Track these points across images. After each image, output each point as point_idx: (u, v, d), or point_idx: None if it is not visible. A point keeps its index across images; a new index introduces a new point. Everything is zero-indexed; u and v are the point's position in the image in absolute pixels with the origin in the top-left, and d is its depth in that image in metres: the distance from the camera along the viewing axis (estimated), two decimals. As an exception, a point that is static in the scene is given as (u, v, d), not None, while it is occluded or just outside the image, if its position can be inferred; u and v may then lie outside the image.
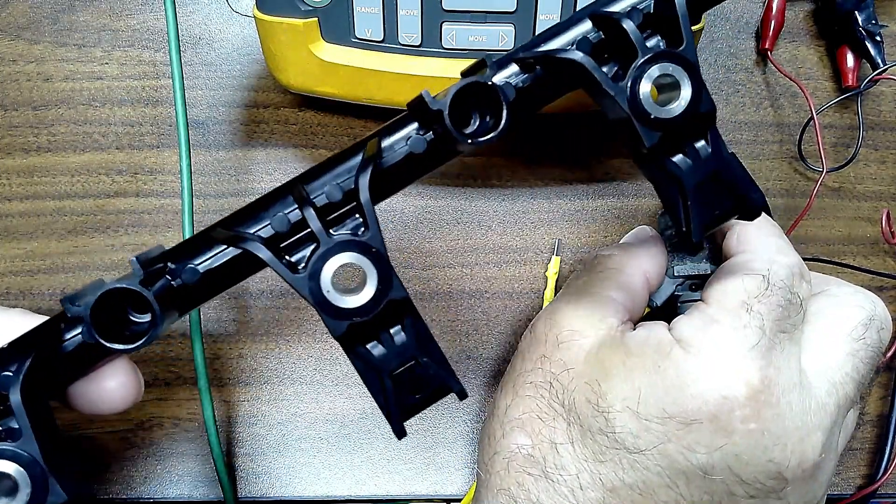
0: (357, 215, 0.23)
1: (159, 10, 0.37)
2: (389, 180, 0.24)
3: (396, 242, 0.36)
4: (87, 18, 0.37)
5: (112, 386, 0.24)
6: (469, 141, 0.22)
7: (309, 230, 0.22)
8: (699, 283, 0.31)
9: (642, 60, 0.22)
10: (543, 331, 0.29)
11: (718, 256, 0.31)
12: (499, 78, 0.24)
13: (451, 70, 0.32)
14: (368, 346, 0.23)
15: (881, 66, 0.36)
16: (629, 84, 0.22)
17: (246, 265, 0.23)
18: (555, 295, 0.35)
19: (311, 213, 0.22)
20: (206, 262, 0.23)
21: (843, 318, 0.27)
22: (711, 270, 0.31)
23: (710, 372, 0.24)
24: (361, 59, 0.32)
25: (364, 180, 0.22)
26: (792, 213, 0.37)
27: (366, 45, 0.32)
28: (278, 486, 0.35)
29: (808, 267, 0.28)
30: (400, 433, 0.23)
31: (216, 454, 0.33)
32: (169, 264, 0.23)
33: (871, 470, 0.36)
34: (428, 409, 0.23)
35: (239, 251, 0.23)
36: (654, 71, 0.22)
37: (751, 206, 0.24)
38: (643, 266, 0.30)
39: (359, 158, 0.23)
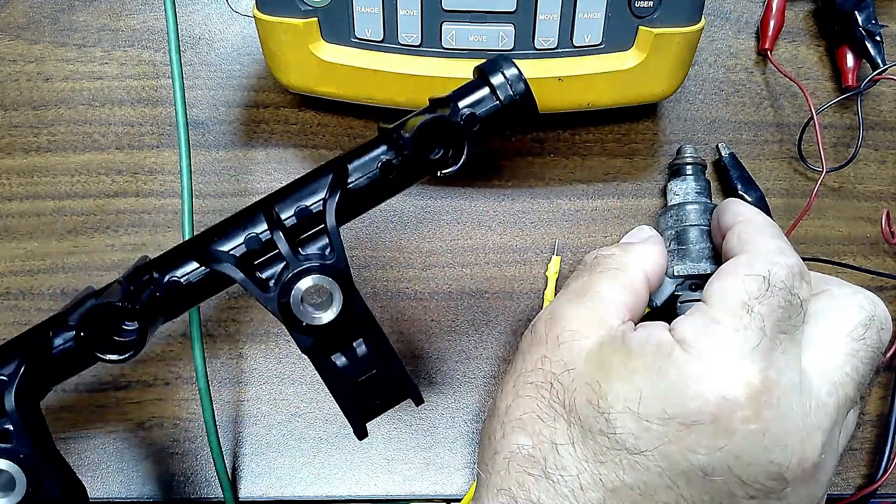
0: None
1: (159, 10, 0.37)
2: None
3: (396, 242, 0.36)
4: (87, 18, 0.37)
5: None
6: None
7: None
8: (699, 283, 0.31)
9: (291, 274, 0.23)
10: (544, 331, 0.29)
11: (718, 256, 0.31)
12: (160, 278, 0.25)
13: (450, 70, 0.32)
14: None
15: (881, 66, 0.36)
16: (279, 294, 0.23)
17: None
18: (555, 295, 0.35)
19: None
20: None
21: (843, 319, 0.27)
22: (711, 270, 0.31)
23: (710, 373, 0.24)
24: (361, 59, 0.32)
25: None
26: (792, 213, 0.37)
27: (366, 45, 0.32)
28: (278, 486, 0.35)
29: (808, 267, 0.28)
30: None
31: (216, 454, 0.33)
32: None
33: (871, 470, 0.36)
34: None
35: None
36: (304, 283, 0.23)
37: (414, 394, 0.26)
38: (643, 266, 0.30)
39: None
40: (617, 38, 0.32)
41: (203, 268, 0.25)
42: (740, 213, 0.30)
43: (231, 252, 0.25)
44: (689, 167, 0.34)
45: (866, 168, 0.38)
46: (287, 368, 0.36)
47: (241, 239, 0.25)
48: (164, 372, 0.36)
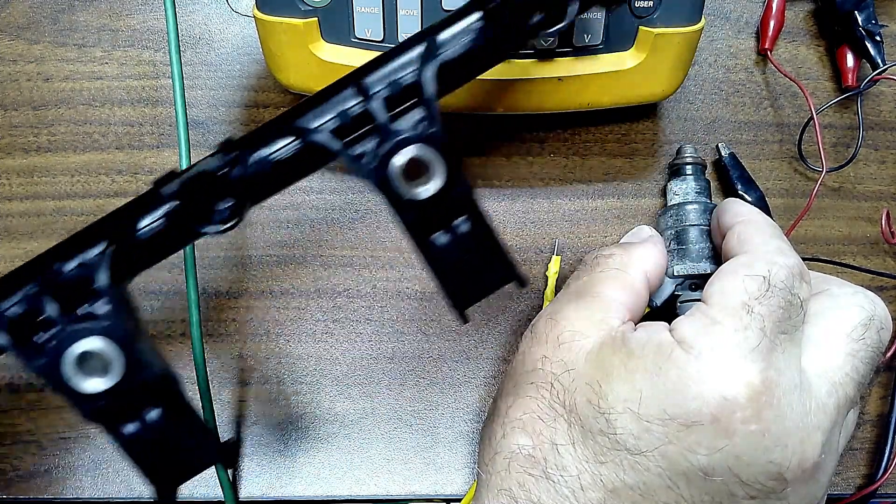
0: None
1: (159, 10, 0.37)
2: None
3: (396, 243, 0.36)
4: (87, 18, 0.37)
5: None
6: (210, 231, 0.23)
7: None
8: (699, 283, 0.31)
9: (389, 146, 0.22)
10: (544, 331, 0.29)
11: (718, 256, 0.31)
12: (250, 154, 0.23)
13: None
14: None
15: (881, 66, 0.36)
16: (377, 167, 0.22)
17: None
18: (555, 295, 0.35)
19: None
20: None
21: (843, 319, 0.27)
22: (711, 270, 0.31)
23: (711, 373, 0.24)
24: (361, 59, 0.32)
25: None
26: (792, 213, 0.37)
27: (366, 45, 0.32)
28: (278, 486, 0.35)
29: (808, 267, 0.28)
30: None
31: (216, 454, 0.33)
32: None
33: (871, 470, 0.36)
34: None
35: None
36: (404, 155, 0.22)
37: (518, 277, 0.24)
38: (643, 265, 0.30)
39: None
40: (617, 38, 0.32)
41: (294, 143, 0.23)
42: (740, 213, 0.30)
43: (322, 127, 0.23)
44: (688, 167, 0.34)
45: (866, 168, 0.38)
46: (287, 368, 0.36)
47: (332, 113, 0.23)
48: (164, 372, 0.36)
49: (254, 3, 0.32)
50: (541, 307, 0.36)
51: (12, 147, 0.36)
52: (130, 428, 0.23)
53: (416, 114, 0.23)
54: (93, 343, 0.21)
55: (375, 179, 0.22)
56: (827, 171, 0.35)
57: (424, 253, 0.23)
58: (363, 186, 0.36)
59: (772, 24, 0.37)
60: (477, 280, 0.24)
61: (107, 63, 0.37)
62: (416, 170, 0.22)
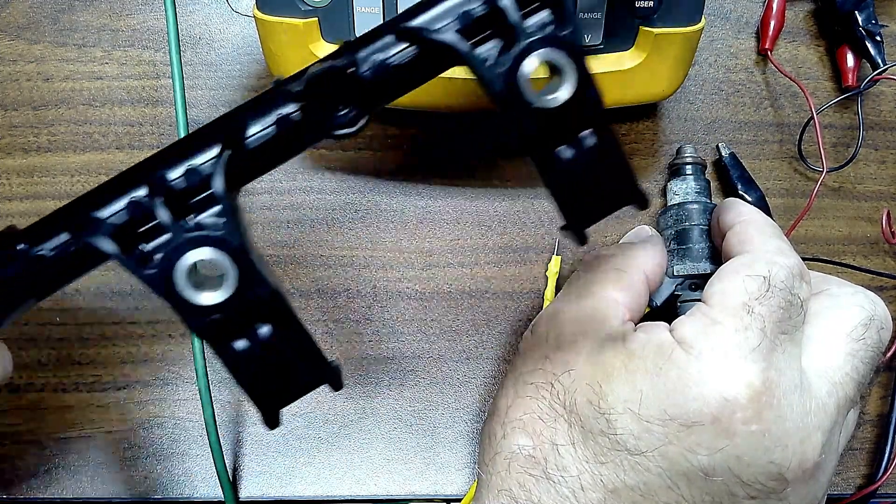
0: (215, 204, 0.21)
1: (159, 10, 0.37)
2: (254, 161, 0.22)
3: (396, 243, 0.36)
4: (87, 18, 0.37)
5: None
6: (333, 133, 0.21)
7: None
8: (699, 283, 0.31)
9: (521, 48, 0.20)
10: (544, 331, 0.29)
11: (718, 256, 0.31)
12: (367, 56, 0.21)
13: (450, 70, 0.32)
14: (233, 342, 0.21)
15: (881, 66, 0.36)
16: (507, 71, 0.20)
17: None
18: (555, 295, 0.35)
19: (159, 202, 0.20)
20: (54, 249, 0.21)
21: (843, 319, 0.27)
22: (711, 270, 0.31)
23: (711, 374, 0.24)
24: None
25: (219, 168, 0.21)
26: (792, 213, 0.37)
27: (366, 45, 0.32)
28: (278, 486, 0.35)
29: (808, 267, 0.28)
30: (272, 423, 0.22)
31: (216, 454, 0.33)
32: (18, 246, 0.21)
33: (871, 470, 0.36)
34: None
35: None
36: (535, 59, 0.20)
37: (639, 196, 0.23)
38: (643, 265, 0.30)
39: (220, 137, 0.21)
40: (617, 38, 0.32)
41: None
42: (740, 213, 0.30)
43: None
44: (689, 167, 0.34)
45: (866, 168, 0.38)
46: (287, 368, 0.36)
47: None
48: (164, 372, 0.36)
49: (254, 3, 0.32)
50: (541, 307, 0.36)
51: (12, 147, 0.36)
52: (241, 344, 0.21)
53: (545, 14, 0.20)
54: (206, 254, 0.20)
55: (503, 86, 0.20)
56: (827, 171, 0.35)
57: (545, 168, 0.22)
58: (368, 183, 0.36)
59: (772, 24, 0.37)
60: (598, 198, 0.22)
61: (107, 63, 0.37)
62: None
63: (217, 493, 0.35)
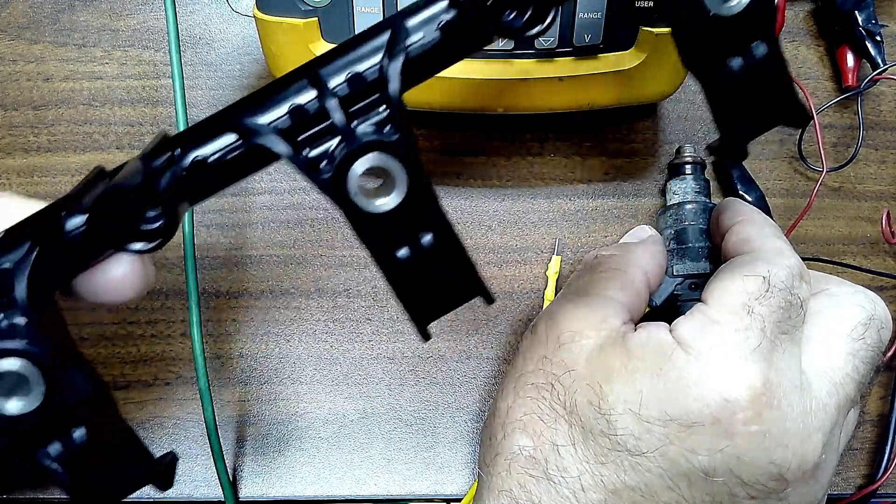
0: (382, 108, 0.20)
1: (159, 10, 0.37)
2: (418, 67, 0.21)
3: (396, 242, 0.36)
4: (87, 18, 0.37)
5: (118, 274, 0.22)
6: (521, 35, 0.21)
7: (329, 122, 0.20)
8: (699, 283, 0.31)
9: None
10: (544, 331, 0.29)
11: (718, 256, 0.31)
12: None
13: (450, 69, 0.32)
14: (395, 251, 0.22)
15: (881, 66, 0.36)
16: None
17: (260, 158, 0.21)
18: (555, 295, 0.35)
19: (333, 104, 0.20)
20: (217, 153, 0.20)
21: (843, 318, 0.27)
22: (711, 270, 0.31)
23: (711, 374, 0.24)
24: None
25: (394, 69, 0.20)
26: (792, 213, 0.37)
27: (366, 45, 0.32)
28: (278, 486, 0.35)
29: (808, 267, 0.28)
30: (425, 335, 0.22)
31: (216, 454, 0.33)
32: (177, 151, 0.21)
33: (871, 470, 0.36)
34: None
35: (250, 145, 0.20)
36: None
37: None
38: (643, 265, 0.30)
39: (383, 42, 0.21)
40: (617, 38, 0.32)
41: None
42: (740, 213, 0.30)
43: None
44: (688, 167, 0.34)
45: (866, 168, 0.38)
46: (287, 368, 0.36)
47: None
48: (164, 372, 0.36)
49: (254, 3, 0.32)
50: (541, 307, 0.36)
51: (12, 147, 0.36)
52: (403, 252, 0.21)
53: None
54: (379, 160, 0.20)
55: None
56: (827, 171, 0.35)
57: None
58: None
59: (772, 24, 0.37)
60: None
61: (107, 63, 0.37)
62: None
63: (217, 493, 0.35)
